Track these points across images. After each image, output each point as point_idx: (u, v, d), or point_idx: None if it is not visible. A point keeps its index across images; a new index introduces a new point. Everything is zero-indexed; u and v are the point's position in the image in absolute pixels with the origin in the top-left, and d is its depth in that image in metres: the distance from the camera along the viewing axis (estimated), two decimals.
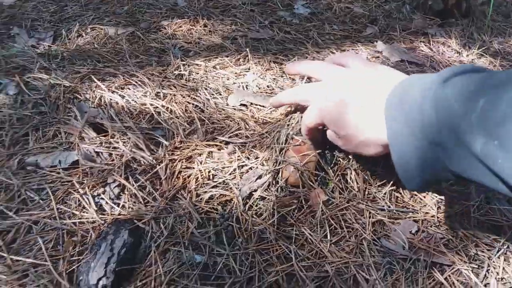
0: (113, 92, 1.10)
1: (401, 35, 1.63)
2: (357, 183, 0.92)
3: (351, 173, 0.93)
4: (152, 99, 1.11)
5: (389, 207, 0.90)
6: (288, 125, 0.97)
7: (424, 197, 0.93)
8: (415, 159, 0.63)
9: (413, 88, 0.62)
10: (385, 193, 0.92)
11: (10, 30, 1.46)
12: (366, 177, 0.93)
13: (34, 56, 1.23)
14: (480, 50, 1.57)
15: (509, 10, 1.92)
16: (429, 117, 0.57)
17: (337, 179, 0.92)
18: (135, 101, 1.09)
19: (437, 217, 0.89)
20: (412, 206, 0.91)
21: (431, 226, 0.88)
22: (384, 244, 0.83)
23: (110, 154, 0.94)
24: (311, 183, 0.90)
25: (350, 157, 0.95)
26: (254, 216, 0.85)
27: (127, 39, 1.41)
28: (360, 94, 0.74)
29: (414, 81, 0.64)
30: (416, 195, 0.94)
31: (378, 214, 0.88)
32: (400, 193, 0.93)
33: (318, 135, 0.91)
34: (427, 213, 0.90)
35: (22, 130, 0.96)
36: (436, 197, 0.93)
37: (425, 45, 1.57)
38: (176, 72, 1.24)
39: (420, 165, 0.63)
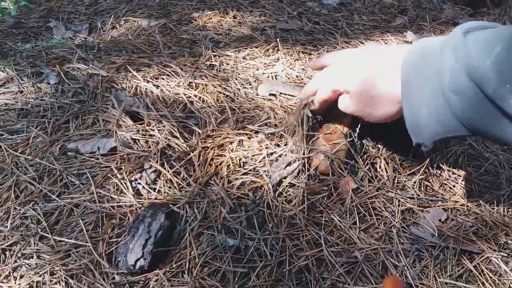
0: (148, 82, 1.13)
1: (431, 25, 1.60)
2: (387, 172, 0.93)
3: (380, 162, 0.94)
4: (185, 89, 1.14)
5: (419, 195, 0.90)
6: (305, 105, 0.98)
7: (454, 186, 0.93)
8: (425, 107, 0.64)
9: (434, 41, 0.66)
10: (414, 182, 0.92)
11: (48, 22, 1.52)
12: (396, 166, 0.94)
13: (72, 47, 1.28)
14: None
15: None
16: (448, 63, 0.59)
17: (366, 168, 0.93)
18: (169, 91, 1.12)
19: (467, 206, 0.89)
20: (442, 194, 0.91)
21: (460, 215, 0.88)
22: (413, 231, 0.84)
23: (146, 141, 0.97)
24: (341, 171, 0.91)
25: (379, 146, 0.96)
26: (284, 202, 0.88)
27: (159, 30, 1.45)
28: (374, 55, 0.79)
29: (434, 38, 0.68)
30: (445, 184, 0.94)
31: (407, 202, 0.88)
32: (430, 182, 0.93)
33: (332, 107, 0.94)
34: (456, 201, 0.90)
35: (63, 118, 1.01)
36: (466, 186, 0.93)
37: None
38: (208, 63, 1.27)
39: (430, 113, 0.64)
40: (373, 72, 0.75)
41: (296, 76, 1.26)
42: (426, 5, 1.75)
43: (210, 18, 1.55)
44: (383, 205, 0.88)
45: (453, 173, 0.96)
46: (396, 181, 0.92)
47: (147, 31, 1.44)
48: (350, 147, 0.92)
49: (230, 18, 1.56)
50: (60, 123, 1.00)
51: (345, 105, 0.85)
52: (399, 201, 0.88)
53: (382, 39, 1.49)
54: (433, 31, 1.57)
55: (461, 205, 0.89)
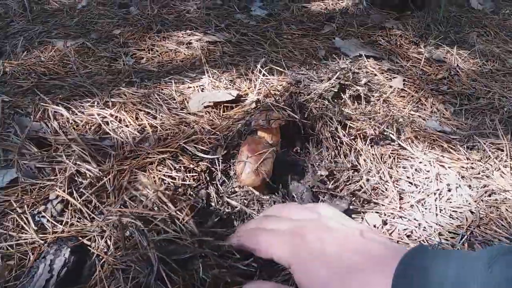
0: (57, 104, 1.04)
1: (358, 31, 1.62)
2: None
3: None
4: (100, 108, 1.05)
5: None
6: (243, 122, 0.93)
7: None
8: None
9: (438, 265, 0.48)
10: None
11: None
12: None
13: None
14: (437, 40, 1.57)
15: (463, 0, 1.94)
16: None
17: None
18: (81, 112, 1.03)
19: None
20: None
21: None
22: None
23: (53, 169, 0.87)
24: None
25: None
26: None
27: (76, 50, 1.36)
28: (352, 245, 0.56)
29: (434, 256, 0.49)
30: None
31: None
32: None
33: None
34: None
35: None
36: None
37: (383, 39, 1.57)
38: (127, 80, 1.19)
39: None
40: (345, 277, 0.53)
41: (224, 88, 1.20)
42: (353, 11, 1.78)
43: (133, 34, 1.47)
44: None
45: None
46: None
47: (62, 51, 1.34)
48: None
49: (154, 33, 1.49)
50: None
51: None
52: None
53: (311, 47, 1.48)
54: (361, 36, 1.58)
55: None
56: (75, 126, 0.98)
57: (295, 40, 1.52)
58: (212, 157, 0.95)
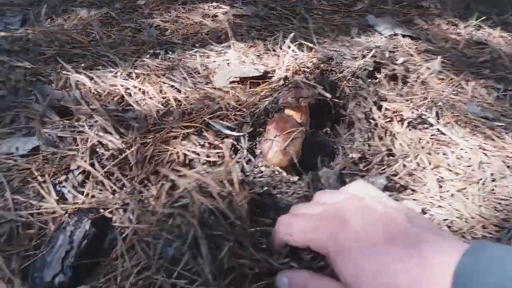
0: (80, 73, 1.00)
1: (393, 8, 1.54)
2: None
3: None
4: (123, 79, 1.02)
5: None
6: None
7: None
8: None
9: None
10: None
11: None
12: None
13: None
14: (478, 21, 1.48)
15: None
16: None
17: None
18: (104, 82, 1.00)
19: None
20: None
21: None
22: None
23: (75, 139, 0.85)
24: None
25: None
26: None
27: (100, 19, 1.32)
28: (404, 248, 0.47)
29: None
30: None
31: None
32: None
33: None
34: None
35: None
36: None
37: (420, 18, 1.48)
38: (151, 51, 1.15)
39: None
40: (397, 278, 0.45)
41: (251, 63, 1.15)
42: None
43: (157, 5, 1.43)
44: None
45: None
46: None
47: (85, 20, 1.30)
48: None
49: (178, 4, 1.44)
50: None
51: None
52: None
53: (343, 24, 1.41)
54: (396, 14, 1.50)
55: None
56: (97, 96, 0.95)
57: (326, 16, 1.45)
58: (238, 134, 0.91)
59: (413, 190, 0.85)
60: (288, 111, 0.94)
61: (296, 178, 0.85)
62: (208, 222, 0.67)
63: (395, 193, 0.82)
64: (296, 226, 0.57)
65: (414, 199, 0.83)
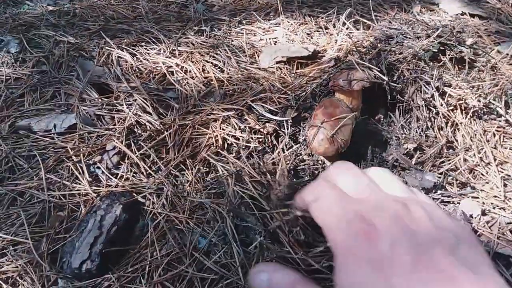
0: (122, 49, 0.97)
1: None
2: None
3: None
4: (166, 57, 0.98)
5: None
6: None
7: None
8: None
9: None
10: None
11: None
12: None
13: (43, 13, 1.13)
14: None
15: None
16: None
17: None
18: (146, 60, 0.96)
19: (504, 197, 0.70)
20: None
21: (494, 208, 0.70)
22: None
23: (112, 118, 0.82)
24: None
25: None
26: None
27: None
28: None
29: None
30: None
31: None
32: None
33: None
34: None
35: (19, 91, 0.87)
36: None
37: None
38: (196, 28, 1.10)
39: None
40: None
41: (300, 42, 1.07)
42: None
43: None
44: None
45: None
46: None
47: None
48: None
49: None
50: (14, 97, 0.86)
51: None
52: None
53: (404, 1, 1.28)
54: None
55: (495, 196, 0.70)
56: (138, 74, 0.91)
57: None
58: (281, 118, 0.84)
59: (474, 188, 0.75)
60: (338, 95, 0.86)
61: None
62: (241, 213, 0.62)
63: (445, 192, 0.72)
64: (324, 202, 0.44)
65: (474, 198, 0.73)
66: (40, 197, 0.69)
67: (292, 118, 0.85)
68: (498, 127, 0.85)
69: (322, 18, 1.15)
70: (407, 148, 0.77)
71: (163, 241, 0.65)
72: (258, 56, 1.03)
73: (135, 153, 0.76)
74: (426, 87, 0.85)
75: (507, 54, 1.03)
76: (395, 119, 0.86)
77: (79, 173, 0.72)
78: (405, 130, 0.83)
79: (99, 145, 0.76)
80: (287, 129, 0.83)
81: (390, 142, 0.81)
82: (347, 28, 1.04)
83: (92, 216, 0.65)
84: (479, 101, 0.85)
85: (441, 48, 0.95)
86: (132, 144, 0.77)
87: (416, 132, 0.83)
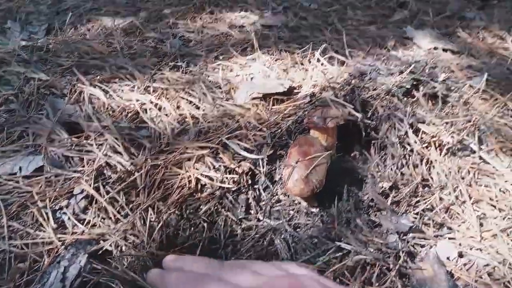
0: (95, 86, 0.96)
1: (434, 20, 1.41)
2: None
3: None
4: (140, 94, 0.96)
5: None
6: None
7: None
8: None
9: None
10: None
11: (4, 24, 1.36)
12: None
13: (16, 49, 1.11)
14: None
15: None
16: None
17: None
18: (120, 97, 0.95)
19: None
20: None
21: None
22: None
23: (81, 159, 0.79)
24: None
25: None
26: None
27: (123, 29, 1.28)
28: None
29: None
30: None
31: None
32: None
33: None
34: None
35: None
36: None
37: (463, 30, 1.36)
38: (172, 64, 1.09)
39: None
40: None
41: (276, 78, 1.07)
42: None
43: (184, 14, 1.37)
44: None
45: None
46: None
47: (109, 30, 1.27)
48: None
49: (206, 14, 1.38)
50: None
51: None
52: None
53: (378, 36, 1.31)
54: (437, 26, 1.38)
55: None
56: (111, 112, 0.90)
57: (360, 27, 1.35)
58: (257, 157, 0.83)
59: (450, 228, 0.74)
60: (313, 132, 0.85)
61: (317, 210, 0.76)
62: None
63: (421, 235, 0.71)
64: None
65: (451, 239, 0.73)
66: (1, 247, 0.66)
67: (268, 156, 0.84)
68: (472, 164, 0.85)
69: (298, 53, 1.16)
70: (382, 187, 0.77)
71: None
72: (234, 92, 1.02)
73: (104, 197, 0.73)
74: (400, 124, 0.85)
75: (479, 89, 1.05)
76: (370, 157, 0.86)
77: (44, 220, 0.69)
78: (380, 168, 0.82)
79: (66, 189, 0.74)
80: (263, 167, 0.82)
81: (365, 180, 0.80)
82: (322, 64, 1.04)
83: (55, 268, 0.61)
84: (452, 137, 0.86)
85: (414, 83, 0.96)
86: (101, 187, 0.75)
87: (391, 169, 0.82)
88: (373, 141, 0.87)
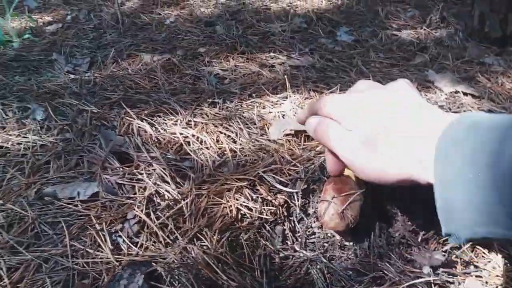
0: (142, 119, 1.04)
1: (454, 65, 1.50)
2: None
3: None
4: (182, 128, 1.04)
5: None
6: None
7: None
8: (465, 193, 0.46)
9: (492, 118, 0.49)
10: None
11: (49, 56, 1.47)
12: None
13: (67, 81, 1.20)
14: None
15: None
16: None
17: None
18: (164, 130, 1.03)
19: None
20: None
21: None
22: None
23: (133, 187, 0.86)
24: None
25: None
26: None
27: (162, 65, 1.37)
28: (399, 106, 0.60)
29: (488, 114, 0.50)
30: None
31: None
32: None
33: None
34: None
35: (44, 158, 0.92)
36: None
37: (482, 75, 1.44)
38: (210, 100, 1.18)
39: (471, 201, 0.46)
40: (393, 122, 0.58)
41: None
42: (448, 43, 1.66)
43: (217, 54, 1.47)
44: None
45: None
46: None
47: (149, 66, 1.37)
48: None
49: (237, 54, 1.48)
50: (40, 164, 0.91)
51: (329, 139, 0.66)
52: None
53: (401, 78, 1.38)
54: (457, 71, 1.46)
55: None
56: (157, 144, 0.97)
57: (383, 69, 1.44)
58: (291, 190, 0.89)
59: (477, 267, 0.79)
60: (345, 170, 0.91)
61: (350, 244, 0.81)
62: None
63: (453, 270, 0.76)
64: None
65: (478, 277, 0.77)
66: (65, 264, 0.72)
67: (302, 190, 0.90)
68: None
69: (326, 93, 1.24)
70: (412, 225, 0.82)
71: None
72: (268, 129, 1.10)
73: (154, 222, 0.79)
74: None
75: None
76: (400, 196, 0.91)
77: (102, 241, 0.75)
78: (410, 206, 0.88)
79: (120, 214, 0.80)
80: (297, 200, 0.88)
81: (395, 218, 0.86)
82: None
83: (116, 286, 0.67)
84: None
85: None
86: (151, 213, 0.81)
87: (422, 209, 0.88)
88: None
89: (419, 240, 0.80)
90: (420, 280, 0.71)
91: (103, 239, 0.76)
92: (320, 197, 0.86)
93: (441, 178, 0.49)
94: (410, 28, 1.80)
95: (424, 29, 1.77)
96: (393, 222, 0.85)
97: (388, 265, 0.74)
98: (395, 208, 0.88)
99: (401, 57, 1.54)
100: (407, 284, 0.70)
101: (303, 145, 1.04)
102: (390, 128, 0.57)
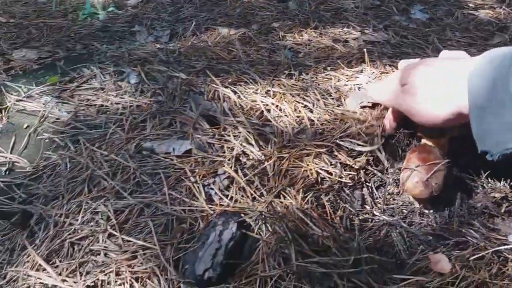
0: (226, 87, 1.10)
1: None
2: None
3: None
4: (262, 96, 1.09)
5: None
6: None
7: None
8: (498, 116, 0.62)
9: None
10: None
11: (132, 28, 1.56)
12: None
13: (154, 50, 1.29)
14: None
15: None
16: None
17: None
18: (246, 97, 1.08)
19: None
20: None
21: None
22: None
23: (222, 146, 0.93)
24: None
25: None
26: None
27: (239, 39, 1.43)
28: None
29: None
30: None
31: None
32: None
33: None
34: None
35: (141, 117, 1.00)
36: None
37: None
38: (286, 72, 1.21)
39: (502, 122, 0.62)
40: (435, 70, 0.78)
41: None
42: None
43: (290, 29, 1.50)
44: None
45: None
46: None
47: (226, 39, 1.42)
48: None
49: (310, 29, 1.50)
50: (137, 122, 0.99)
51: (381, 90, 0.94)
52: None
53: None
54: None
55: None
56: (241, 110, 1.03)
57: (461, 48, 1.41)
58: (371, 148, 0.92)
59: None
60: (425, 142, 0.93)
61: (431, 211, 0.83)
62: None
63: None
64: None
65: None
66: (164, 210, 0.80)
67: (382, 149, 0.92)
68: None
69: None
70: (494, 197, 0.83)
71: (272, 260, 0.73)
72: (344, 100, 1.12)
73: (242, 179, 0.86)
74: None
75: None
76: (482, 169, 0.91)
77: (197, 192, 0.83)
78: (490, 180, 0.88)
79: (212, 169, 0.87)
80: (376, 166, 0.91)
81: (476, 191, 0.86)
82: None
83: (212, 231, 0.74)
84: None
85: None
86: (239, 170, 0.87)
87: (503, 183, 0.87)
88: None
89: (503, 211, 0.80)
90: (506, 246, 0.72)
91: (197, 190, 0.83)
92: (402, 165, 0.88)
93: (475, 102, 0.64)
94: (488, 8, 1.73)
95: (504, 9, 1.70)
96: (474, 194, 0.86)
97: (472, 231, 0.75)
98: (475, 181, 0.88)
99: (478, 37, 1.49)
100: (492, 249, 0.71)
101: (381, 117, 1.06)
102: (428, 78, 0.77)
